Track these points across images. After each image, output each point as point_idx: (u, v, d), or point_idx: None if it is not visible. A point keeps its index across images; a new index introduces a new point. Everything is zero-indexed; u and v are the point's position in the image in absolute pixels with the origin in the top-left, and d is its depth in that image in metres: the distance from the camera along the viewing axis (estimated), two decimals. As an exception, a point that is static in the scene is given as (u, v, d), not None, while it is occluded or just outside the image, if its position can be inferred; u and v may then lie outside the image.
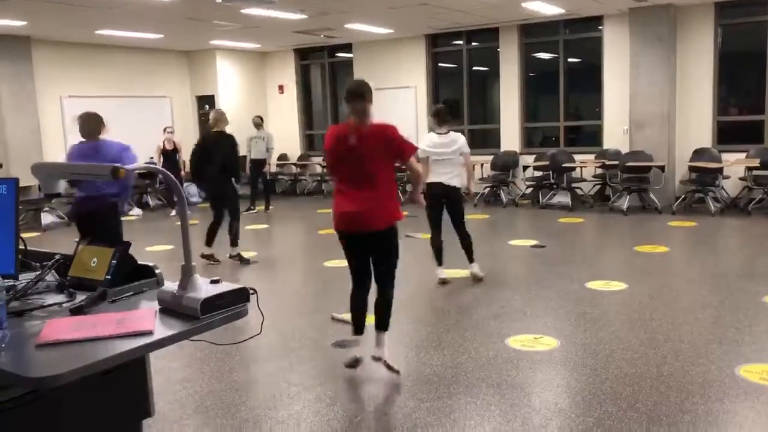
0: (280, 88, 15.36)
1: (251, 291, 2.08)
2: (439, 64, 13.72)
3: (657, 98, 10.69)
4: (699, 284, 6.36)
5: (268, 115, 15.30)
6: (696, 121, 10.88)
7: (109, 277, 2.26)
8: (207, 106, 14.63)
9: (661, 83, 10.65)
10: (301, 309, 5.91)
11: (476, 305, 5.71)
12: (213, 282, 2.08)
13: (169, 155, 12.26)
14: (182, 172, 11.96)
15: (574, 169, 11.29)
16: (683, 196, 10.49)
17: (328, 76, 15.07)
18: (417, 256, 7.58)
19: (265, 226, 10.66)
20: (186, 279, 2.04)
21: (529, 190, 11.97)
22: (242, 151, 14.13)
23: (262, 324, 2.27)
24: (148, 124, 12.98)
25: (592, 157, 11.41)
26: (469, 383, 4.04)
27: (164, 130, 12.57)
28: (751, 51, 10.87)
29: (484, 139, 13.36)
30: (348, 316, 5.35)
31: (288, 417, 3.73)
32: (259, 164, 12.24)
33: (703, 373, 4.07)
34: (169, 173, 2.22)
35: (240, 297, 2.05)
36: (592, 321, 5.19)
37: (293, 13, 10.11)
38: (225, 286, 2.05)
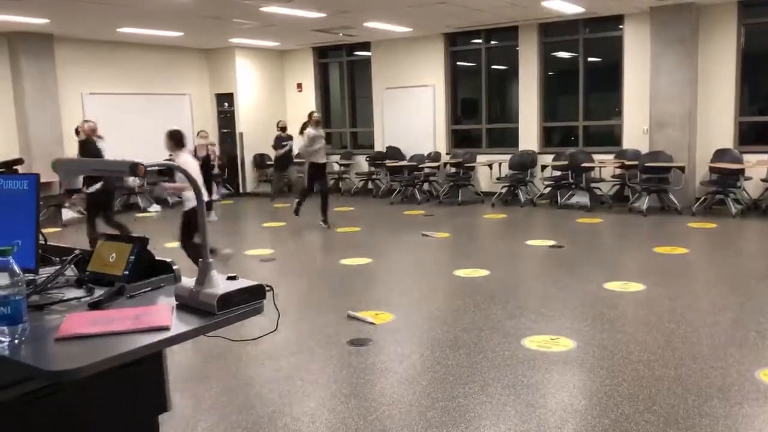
0: (299, 86, 15.40)
1: (268, 288, 2.09)
2: (458, 63, 13.67)
3: (678, 98, 10.57)
4: (718, 286, 6.29)
5: (286, 113, 15.36)
6: (717, 122, 10.74)
7: (127, 272, 2.28)
8: (226, 104, 14.72)
9: (682, 83, 10.53)
10: (317, 306, 5.92)
11: (493, 305, 5.69)
12: (230, 278, 2.09)
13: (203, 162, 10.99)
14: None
15: (593, 169, 11.20)
16: (704, 198, 10.37)
17: (346, 75, 15.10)
18: (433, 255, 7.57)
19: (283, 223, 10.70)
20: (203, 275, 2.05)
21: (548, 189, 11.90)
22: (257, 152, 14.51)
23: (278, 321, 2.27)
24: (167, 121, 12.98)
25: (611, 157, 11.31)
26: (484, 383, 4.03)
27: (198, 134, 12.38)
28: (775, 51, 10.71)
29: (502, 138, 13.29)
30: (364, 315, 5.38)
31: (302, 414, 3.74)
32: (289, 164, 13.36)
33: (722, 376, 4.03)
34: (185, 169, 2.23)
35: (256, 294, 2.06)
36: (610, 322, 5.15)
37: (312, 12, 10.13)
38: (242, 283, 2.06)
